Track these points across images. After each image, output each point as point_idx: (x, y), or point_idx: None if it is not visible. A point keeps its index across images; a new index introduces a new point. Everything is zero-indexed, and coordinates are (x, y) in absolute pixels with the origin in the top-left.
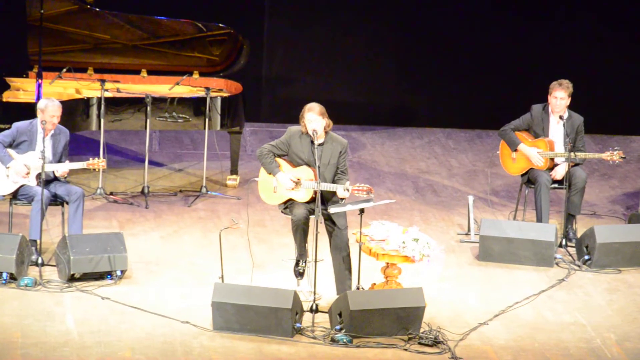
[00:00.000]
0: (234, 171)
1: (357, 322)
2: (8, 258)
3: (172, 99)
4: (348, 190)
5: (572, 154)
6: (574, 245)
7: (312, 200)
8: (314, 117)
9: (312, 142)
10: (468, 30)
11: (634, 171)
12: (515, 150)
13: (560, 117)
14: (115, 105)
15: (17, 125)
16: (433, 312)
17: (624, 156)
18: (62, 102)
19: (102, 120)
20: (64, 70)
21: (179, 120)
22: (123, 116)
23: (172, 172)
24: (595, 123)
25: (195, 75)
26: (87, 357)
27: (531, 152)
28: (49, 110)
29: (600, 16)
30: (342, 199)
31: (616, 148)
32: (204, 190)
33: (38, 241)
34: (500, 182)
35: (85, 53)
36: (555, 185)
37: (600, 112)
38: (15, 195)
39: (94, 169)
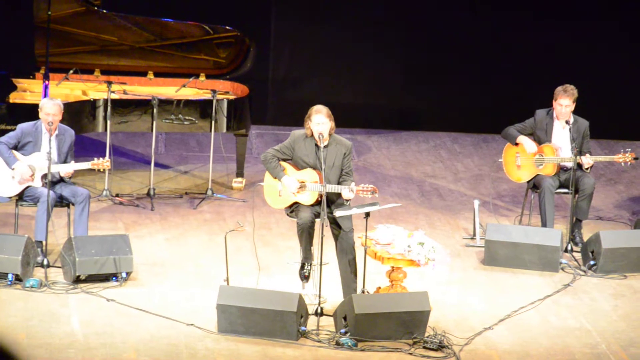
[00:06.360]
0: (239, 174)
1: (362, 325)
2: (14, 259)
3: (179, 101)
4: (353, 191)
5: (579, 157)
6: (579, 250)
7: (318, 203)
8: (322, 119)
9: (317, 145)
10: (474, 34)
11: None
12: (516, 144)
13: (567, 122)
14: (122, 107)
15: (21, 126)
16: (438, 316)
17: (637, 157)
18: (69, 104)
19: (108, 122)
20: (71, 71)
21: (185, 123)
22: (129, 118)
23: (178, 174)
24: (600, 128)
25: (202, 78)
26: (92, 359)
27: (531, 142)
28: (44, 108)
29: (605, 19)
30: (347, 200)
31: (628, 149)
32: (209, 192)
33: (44, 242)
34: (506, 186)
35: (92, 55)
36: (560, 190)
37: (606, 117)
38: (20, 197)
39: (99, 170)
